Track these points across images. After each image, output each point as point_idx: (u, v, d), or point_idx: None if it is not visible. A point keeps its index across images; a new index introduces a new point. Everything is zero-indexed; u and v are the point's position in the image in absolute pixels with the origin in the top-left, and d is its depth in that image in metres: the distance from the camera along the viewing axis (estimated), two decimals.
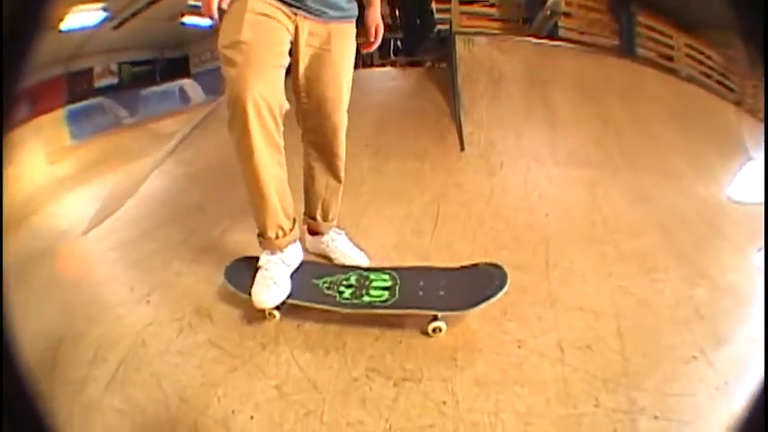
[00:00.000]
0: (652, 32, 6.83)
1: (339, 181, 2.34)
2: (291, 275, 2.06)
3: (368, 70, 5.62)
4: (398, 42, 5.90)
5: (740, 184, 4.46)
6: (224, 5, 1.82)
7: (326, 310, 1.96)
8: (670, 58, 6.80)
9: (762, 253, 2.68)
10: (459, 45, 4.57)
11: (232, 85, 1.77)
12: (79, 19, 4.15)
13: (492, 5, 5.79)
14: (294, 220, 2.13)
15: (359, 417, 1.63)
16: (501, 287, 1.91)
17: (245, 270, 2.11)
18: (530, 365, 1.82)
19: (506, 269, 2.03)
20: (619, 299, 2.19)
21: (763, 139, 5.13)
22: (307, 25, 1.96)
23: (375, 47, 2.19)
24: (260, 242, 2.08)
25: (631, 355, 1.86)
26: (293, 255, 2.11)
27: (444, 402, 1.66)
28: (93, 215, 3.14)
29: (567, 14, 6.39)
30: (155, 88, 5.02)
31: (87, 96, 4.49)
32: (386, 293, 1.97)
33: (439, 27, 5.68)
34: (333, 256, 2.36)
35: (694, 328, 2.01)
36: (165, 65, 5.16)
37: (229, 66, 1.79)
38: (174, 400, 1.73)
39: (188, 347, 1.95)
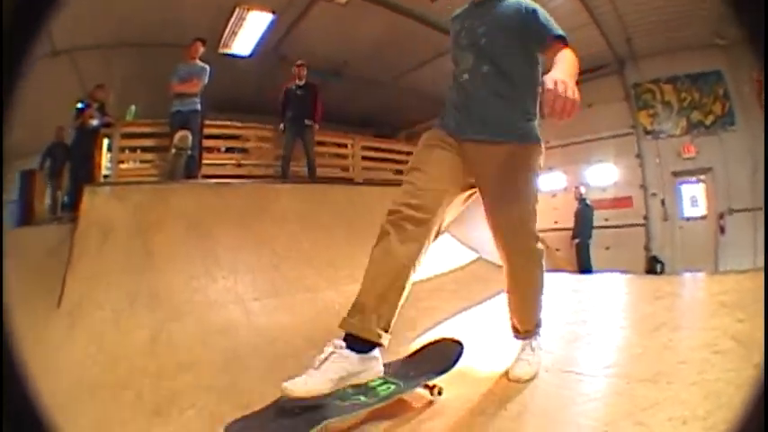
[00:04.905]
0: (334, 149, 7.57)
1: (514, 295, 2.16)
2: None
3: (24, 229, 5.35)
4: (65, 197, 5.70)
5: None
6: None
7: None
8: (347, 169, 7.53)
9: None
10: (86, 198, 4.34)
11: None
12: None
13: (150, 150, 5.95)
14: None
15: None
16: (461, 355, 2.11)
17: None
18: None
19: None
20: None
21: (764, 142, 5.74)
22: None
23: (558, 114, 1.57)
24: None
25: None
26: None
27: None
28: None
29: (244, 150, 6.80)
30: None
31: None
32: (391, 385, 1.92)
33: (106, 173, 5.59)
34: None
35: None
36: None
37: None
38: None
39: None
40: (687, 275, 5.01)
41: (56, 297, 3.43)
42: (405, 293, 1.85)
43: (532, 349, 2.16)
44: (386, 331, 1.82)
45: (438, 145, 2.00)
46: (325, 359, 1.74)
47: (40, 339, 2.94)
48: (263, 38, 6.76)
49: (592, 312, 3.13)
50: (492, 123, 1.96)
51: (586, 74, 6.90)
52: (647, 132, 7.11)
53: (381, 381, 1.93)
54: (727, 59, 6.27)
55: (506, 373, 2.11)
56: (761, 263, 5.39)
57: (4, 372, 0.84)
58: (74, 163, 5.77)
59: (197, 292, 3.61)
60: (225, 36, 6.66)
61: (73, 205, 5.03)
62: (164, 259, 3.85)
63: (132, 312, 3.33)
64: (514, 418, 1.76)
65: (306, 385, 1.67)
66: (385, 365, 1.99)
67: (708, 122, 6.77)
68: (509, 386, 2.03)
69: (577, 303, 3.27)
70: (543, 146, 2.04)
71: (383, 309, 1.80)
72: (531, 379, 2.06)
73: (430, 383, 2.01)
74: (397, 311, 1.85)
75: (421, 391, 2.01)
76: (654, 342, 2.34)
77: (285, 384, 1.67)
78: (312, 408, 1.70)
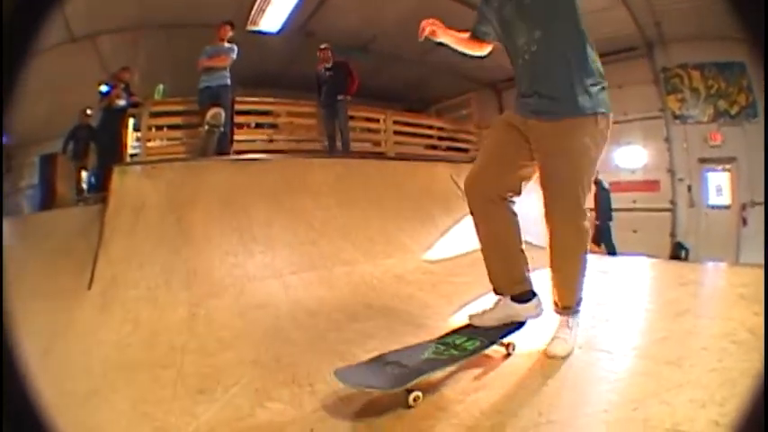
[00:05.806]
0: (366, 123, 7.61)
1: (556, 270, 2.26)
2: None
3: (47, 212, 5.43)
4: (92, 178, 5.78)
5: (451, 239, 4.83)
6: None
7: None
8: (379, 143, 7.57)
9: None
10: (115, 177, 4.41)
11: None
12: None
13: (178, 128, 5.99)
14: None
15: None
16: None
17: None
18: None
19: None
20: None
21: (764, 138, 5.79)
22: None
23: None
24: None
25: None
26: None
27: None
28: None
29: (274, 126, 6.86)
30: None
31: None
32: (476, 341, 2.20)
33: (132, 152, 5.60)
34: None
35: None
36: None
37: None
38: None
39: None
40: (710, 264, 4.99)
41: (86, 279, 3.46)
42: (520, 244, 2.24)
43: (569, 327, 2.23)
44: (525, 277, 2.26)
45: (500, 129, 2.27)
46: (495, 304, 2.30)
47: (71, 322, 2.98)
48: (291, 15, 6.71)
49: (620, 294, 3.19)
50: (548, 100, 2.06)
51: (616, 54, 6.82)
52: (676, 117, 7.00)
53: (467, 337, 2.25)
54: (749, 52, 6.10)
55: (544, 350, 2.19)
56: None
57: (4, 371, 0.83)
58: (100, 144, 5.82)
59: (235, 268, 3.65)
60: (253, 13, 6.64)
61: (100, 186, 5.13)
62: (199, 236, 3.90)
63: (169, 290, 3.38)
64: (554, 394, 1.84)
65: (482, 320, 2.30)
66: (468, 325, 2.37)
67: (733, 112, 6.65)
68: (546, 362, 2.11)
69: (607, 285, 3.32)
70: (610, 117, 2.07)
71: (513, 270, 2.25)
72: (567, 356, 2.14)
73: (505, 341, 2.26)
74: (523, 259, 2.26)
75: (497, 348, 2.23)
76: (678, 327, 2.41)
77: (470, 314, 2.35)
78: (411, 362, 1.98)
